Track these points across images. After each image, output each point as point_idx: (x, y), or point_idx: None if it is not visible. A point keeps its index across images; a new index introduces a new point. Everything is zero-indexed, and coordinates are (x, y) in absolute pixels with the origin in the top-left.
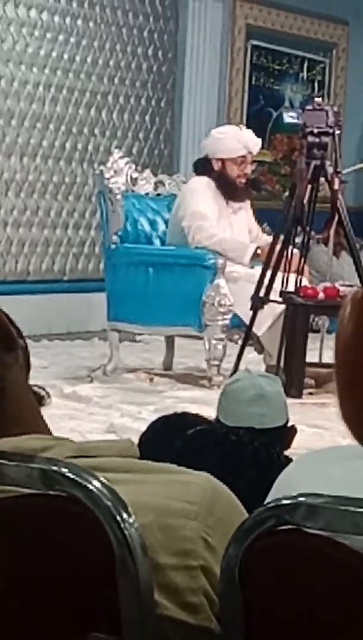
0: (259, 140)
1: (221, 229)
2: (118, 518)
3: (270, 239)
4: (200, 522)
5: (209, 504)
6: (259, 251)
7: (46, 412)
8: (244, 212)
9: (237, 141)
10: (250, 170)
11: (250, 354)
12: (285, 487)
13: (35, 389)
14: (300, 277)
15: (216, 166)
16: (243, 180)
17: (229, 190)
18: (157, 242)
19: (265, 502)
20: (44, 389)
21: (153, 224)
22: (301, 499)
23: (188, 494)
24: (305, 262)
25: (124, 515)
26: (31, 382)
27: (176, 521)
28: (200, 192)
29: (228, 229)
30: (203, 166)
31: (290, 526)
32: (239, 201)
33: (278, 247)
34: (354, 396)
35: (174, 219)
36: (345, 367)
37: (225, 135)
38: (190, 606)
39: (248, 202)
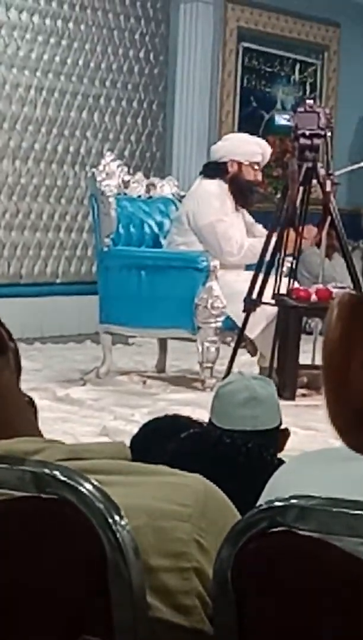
0: (270, 150)
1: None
2: (110, 520)
3: (264, 230)
4: (193, 525)
5: (202, 506)
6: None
7: (39, 415)
8: (241, 210)
9: (258, 146)
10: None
11: (243, 356)
12: (277, 489)
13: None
14: (292, 280)
15: (232, 168)
16: (256, 185)
17: (242, 194)
18: (149, 244)
19: (258, 504)
20: (27, 396)
21: (145, 226)
22: (293, 500)
23: (181, 496)
24: (297, 264)
25: (116, 518)
26: (24, 385)
27: (169, 523)
28: (217, 197)
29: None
30: (214, 169)
31: (282, 528)
32: (249, 205)
33: (270, 249)
34: (341, 398)
35: (187, 225)
36: (332, 371)
37: (246, 139)
38: (183, 608)
39: None
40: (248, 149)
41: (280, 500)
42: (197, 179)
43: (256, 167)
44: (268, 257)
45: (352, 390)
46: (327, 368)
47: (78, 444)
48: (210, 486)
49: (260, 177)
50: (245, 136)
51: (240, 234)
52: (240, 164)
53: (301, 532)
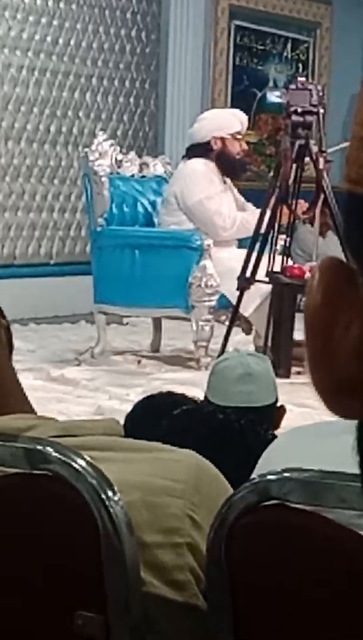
0: (246, 116)
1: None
2: (103, 496)
3: (254, 208)
4: (186, 500)
5: (195, 482)
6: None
7: (34, 395)
8: (230, 188)
9: (234, 116)
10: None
11: (238, 335)
12: (270, 462)
13: None
14: (286, 258)
15: (216, 145)
16: (243, 156)
17: (231, 167)
18: (143, 224)
19: (250, 478)
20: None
21: (138, 205)
22: (286, 474)
23: (174, 472)
24: (291, 242)
25: (110, 494)
26: (19, 365)
27: (162, 499)
28: (204, 175)
29: None
30: (199, 149)
31: (275, 501)
32: (239, 178)
33: (263, 227)
34: (325, 366)
35: (176, 206)
36: (315, 338)
37: (222, 114)
38: (177, 584)
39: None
40: (227, 122)
41: (272, 474)
42: (181, 162)
43: (238, 136)
44: (261, 234)
45: (336, 355)
46: (309, 334)
47: (71, 420)
48: (203, 462)
49: (245, 146)
50: (219, 111)
51: (230, 209)
52: (222, 139)
53: (293, 505)
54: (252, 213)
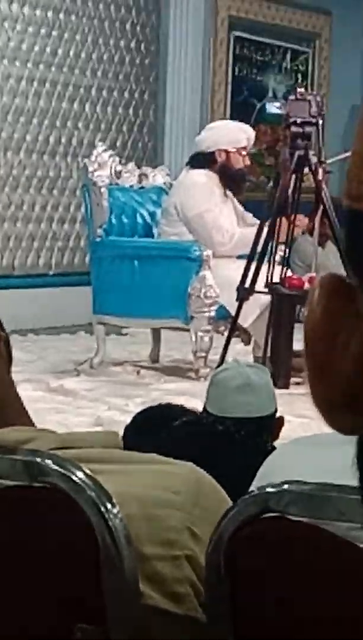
0: (254, 133)
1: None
2: (102, 509)
3: (254, 219)
4: (185, 512)
5: (194, 494)
6: None
7: (33, 406)
8: (231, 199)
9: (242, 131)
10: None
11: (237, 345)
12: (270, 474)
13: None
14: (285, 268)
15: (220, 158)
16: (246, 171)
17: (233, 182)
18: (142, 234)
19: (249, 490)
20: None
21: (137, 216)
22: (285, 486)
23: (173, 484)
24: (290, 253)
25: (109, 506)
26: (18, 376)
27: (161, 511)
28: (205, 187)
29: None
30: (202, 159)
31: (274, 514)
32: (240, 193)
33: (263, 237)
34: (325, 381)
35: (176, 216)
36: (315, 353)
37: (230, 127)
38: (176, 596)
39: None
40: (234, 136)
41: (271, 486)
42: (184, 170)
43: (243, 152)
44: (260, 245)
45: (335, 371)
46: (309, 350)
47: (70, 433)
48: (202, 474)
49: (248, 162)
50: (228, 123)
51: (230, 223)
52: (227, 152)
53: (293, 518)
54: (251, 229)
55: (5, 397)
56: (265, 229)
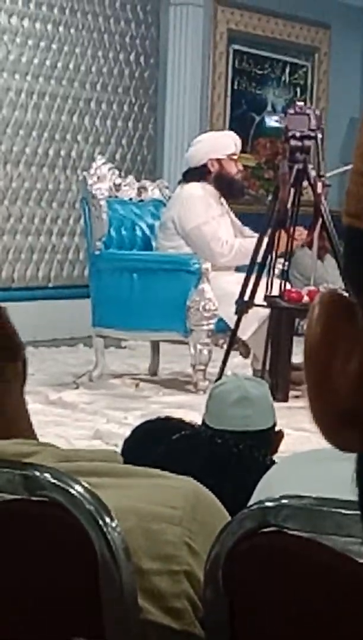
0: (239, 138)
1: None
2: (101, 522)
3: (252, 232)
4: (183, 527)
5: (193, 509)
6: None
7: (32, 419)
8: (228, 212)
9: (229, 137)
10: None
11: (236, 358)
12: (268, 489)
13: None
14: (284, 282)
15: (213, 167)
16: (241, 177)
17: (230, 188)
18: (141, 247)
19: (248, 504)
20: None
21: (136, 229)
22: (284, 500)
23: (171, 499)
24: (289, 266)
25: (107, 520)
26: None
27: (159, 526)
28: (202, 200)
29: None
30: (195, 173)
31: (273, 528)
32: (238, 199)
33: (262, 251)
34: (324, 399)
35: (174, 230)
36: (314, 371)
37: (217, 136)
38: (174, 611)
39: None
40: (222, 144)
41: (270, 500)
42: (178, 187)
43: (233, 157)
44: (259, 258)
45: (335, 388)
46: (309, 367)
47: (72, 449)
48: (200, 488)
49: (241, 167)
50: (213, 133)
51: (228, 235)
52: (219, 160)
53: (291, 532)
54: (250, 240)
55: (18, 412)
56: (265, 242)
